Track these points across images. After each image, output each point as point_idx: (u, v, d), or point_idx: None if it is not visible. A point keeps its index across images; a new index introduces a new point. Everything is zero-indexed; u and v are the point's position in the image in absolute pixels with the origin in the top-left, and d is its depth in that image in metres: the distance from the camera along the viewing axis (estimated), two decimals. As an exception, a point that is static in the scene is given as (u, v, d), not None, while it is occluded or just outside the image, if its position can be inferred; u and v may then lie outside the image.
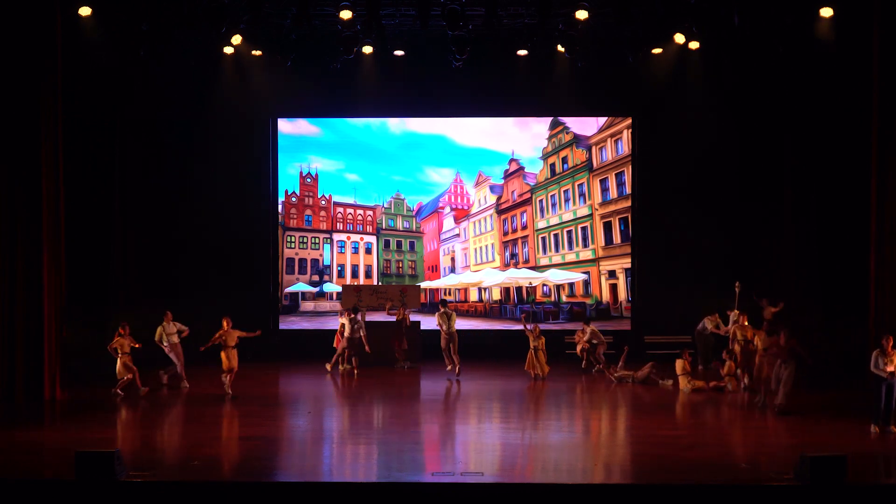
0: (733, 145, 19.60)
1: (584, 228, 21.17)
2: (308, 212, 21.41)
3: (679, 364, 15.99)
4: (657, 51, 18.84)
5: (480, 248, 21.84)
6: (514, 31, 18.03)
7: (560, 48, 17.87)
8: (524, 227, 21.56)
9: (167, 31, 16.90)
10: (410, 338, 18.88)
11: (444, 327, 17.32)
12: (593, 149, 21.09)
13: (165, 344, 15.97)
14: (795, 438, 12.08)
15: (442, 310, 17.50)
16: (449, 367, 17.36)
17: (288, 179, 21.15)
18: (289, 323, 21.01)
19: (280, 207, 21.05)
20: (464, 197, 21.81)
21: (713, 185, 19.67)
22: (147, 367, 15.85)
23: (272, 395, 15.85)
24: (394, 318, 18.93)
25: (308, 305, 21.16)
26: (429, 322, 19.02)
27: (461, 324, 21.01)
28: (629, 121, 20.60)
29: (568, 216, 21.35)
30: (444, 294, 21.44)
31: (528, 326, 17.48)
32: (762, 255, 19.16)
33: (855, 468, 9.92)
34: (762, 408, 14.01)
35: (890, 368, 12.09)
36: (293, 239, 21.32)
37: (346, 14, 16.24)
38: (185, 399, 14.84)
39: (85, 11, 16.13)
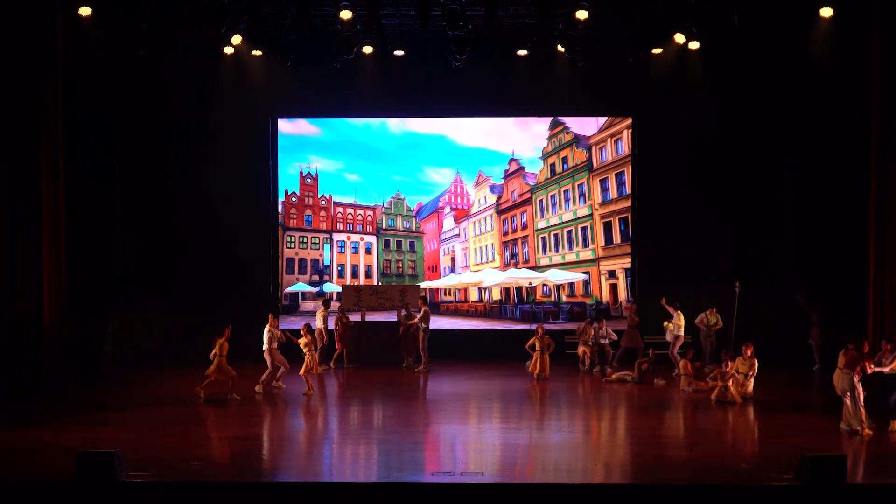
0: (733, 145, 19.60)
1: (584, 228, 21.16)
2: (308, 212, 21.40)
3: (682, 364, 16.02)
4: (657, 51, 18.85)
5: (480, 248, 21.83)
6: (514, 31, 18.02)
7: (560, 48, 17.88)
8: (524, 227, 21.55)
9: (167, 31, 16.94)
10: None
11: (425, 325, 18.04)
12: (593, 149, 21.08)
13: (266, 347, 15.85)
14: (795, 438, 12.08)
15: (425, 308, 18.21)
16: (423, 366, 18.00)
17: (288, 179, 21.14)
18: (289, 323, 20.86)
19: (280, 207, 21.04)
20: (464, 197, 21.80)
21: (713, 185, 19.66)
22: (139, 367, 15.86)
23: (272, 395, 15.81)
24: (397, 319, 19.01)
25: (308, 305, 21.14)
26: (435, 321, 19.12)
27: (462, 324, 21.18)
28: (629, 121, 20.60)
29: (568, 216, 21.34)
30: (444, 294, 21.45)
31: (534, 326, 17.43)
32: (762, 255, 19.17)
33: (855, 468, 9.92)
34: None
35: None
36: (293, 239, 21.31)
37: (346, 14, 16.26)
38: (185, 399, 14.81)
39: (85, 11, 16.14)
